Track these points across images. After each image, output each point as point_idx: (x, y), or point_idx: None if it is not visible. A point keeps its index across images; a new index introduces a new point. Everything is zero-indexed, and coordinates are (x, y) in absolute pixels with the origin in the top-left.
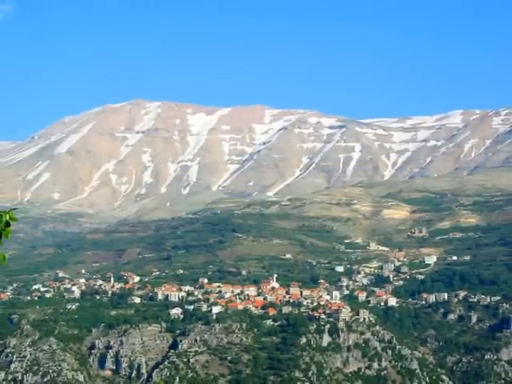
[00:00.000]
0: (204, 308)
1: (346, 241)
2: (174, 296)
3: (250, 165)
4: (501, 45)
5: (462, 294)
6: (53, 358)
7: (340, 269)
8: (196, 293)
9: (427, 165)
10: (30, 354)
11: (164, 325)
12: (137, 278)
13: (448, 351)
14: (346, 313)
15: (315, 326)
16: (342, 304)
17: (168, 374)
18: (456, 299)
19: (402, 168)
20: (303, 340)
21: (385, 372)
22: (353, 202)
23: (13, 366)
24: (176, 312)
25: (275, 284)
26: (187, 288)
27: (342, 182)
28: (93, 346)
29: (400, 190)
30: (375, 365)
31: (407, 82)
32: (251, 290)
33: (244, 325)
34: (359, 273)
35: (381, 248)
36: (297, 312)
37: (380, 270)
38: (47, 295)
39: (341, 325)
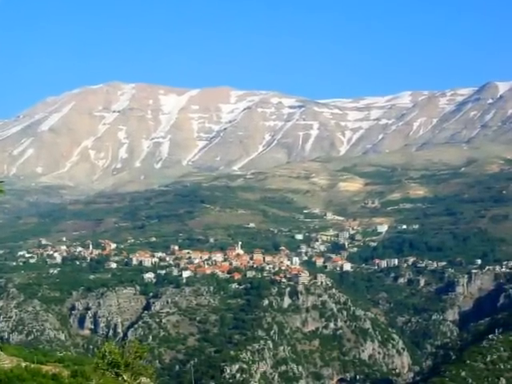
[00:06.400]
0: (175, 272)
1: (305, 211)
2: (148, 261)
3: (217, 141)
4: (446, 30)
5: (411, 259)
6: (36, 319)
7: (299, 237)
8: (167, 259)
9: (379, 141)
10: (16, 315)
11: (138, 288)
12: (113, 245)
13: (398, 312)
14: (304, 277)
15: (277, 289)
16: (301, 269)
17: (142, 333)
18: (405, 264)
19: (356, 144)
20: (266, 302)
21: (340, 331)
22: (311, 176)
23: (0, 325)
24: (149, 276)
25: (240, 251)
26: (159, 254)
27: (302, 157)
28: (73, 308)
29: (354, 164)
30: (331, 325)
31: (361, 65)
32: (218, 256)
33: (211, 288)
34: (317, 240)
35: (337, 218)
36: (260, 276)
37: (336, 237)
38: (31, 261)
39: (300, 288)
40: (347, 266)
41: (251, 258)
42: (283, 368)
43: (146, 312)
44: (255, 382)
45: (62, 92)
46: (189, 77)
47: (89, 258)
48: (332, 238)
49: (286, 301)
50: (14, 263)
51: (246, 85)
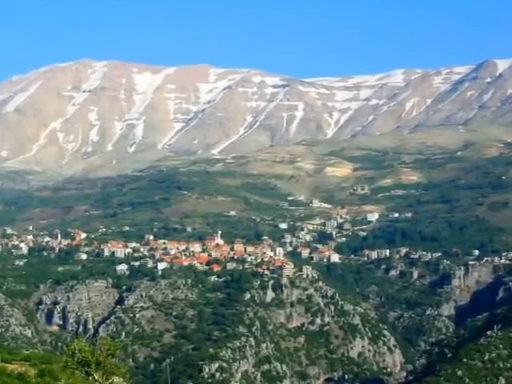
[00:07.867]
0: (150, 264)
1: (290, 198)
2: (120, 252)
3: (195, 123)
4: (441, 5)
5: (404, 250)
6: (1, 314)
7: (283, 226)
8: (142, 249)
9: (369, 123)
10: None
11: (110, 281)
12: (83, 235)
13: (389, 307)
14: (289, 269)
15: (259, 282)
16: (286, 260)
17: (114, 329)
18: (397, 255)
19: (345, 126)
20: (247, 296)
21: (327, 327)
22: (296, 160)
23: None
24: (122, 268)
25: (219, 241)
26: (133, 244)
27: (286, 140)
28: (40, 302)
29: (342, 148)
30: (318, 320)
31: (349, 42)
32: (196, 247)
33: (189, 281)
34: (302, 230)
35: (323, 205)
36: (241, 268)
37: (323, 226)
38: None
39: (284, 281)
40: (335, 258)
41: (232, 249)
42: (266, 367)
43: (118, 307)
44: (236, 382)
45: (28, 70)
46: (165, 54)
47: (57, 249)
48: (318, 227)
49: (269, 294)
50: None
51: (226, 62)
